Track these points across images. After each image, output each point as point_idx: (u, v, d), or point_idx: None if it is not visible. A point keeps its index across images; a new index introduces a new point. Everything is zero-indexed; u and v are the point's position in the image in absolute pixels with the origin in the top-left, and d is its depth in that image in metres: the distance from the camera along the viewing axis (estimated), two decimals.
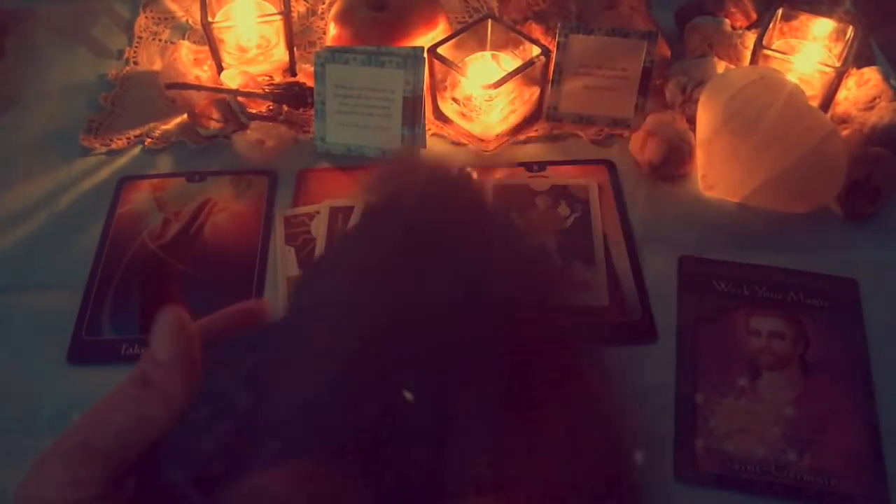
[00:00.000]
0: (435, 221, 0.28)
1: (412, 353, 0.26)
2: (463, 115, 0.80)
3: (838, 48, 0.79)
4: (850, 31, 0.78)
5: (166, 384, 0.29)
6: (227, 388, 0.29)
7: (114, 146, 0.82)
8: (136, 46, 0.93)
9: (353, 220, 0.72)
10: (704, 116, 0.74)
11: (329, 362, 0.27)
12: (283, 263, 0.71)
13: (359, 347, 0.27)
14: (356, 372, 0.27)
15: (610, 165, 0.78)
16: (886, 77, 0.79)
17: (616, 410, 0.29)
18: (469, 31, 0.81)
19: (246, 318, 0.34)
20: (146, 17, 0.96)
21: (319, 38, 0.93)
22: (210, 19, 0.82)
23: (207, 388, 0.29)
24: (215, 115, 0.80)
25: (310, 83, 0.81)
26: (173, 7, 0.97)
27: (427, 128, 0.81)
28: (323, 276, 0.32)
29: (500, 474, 0.27)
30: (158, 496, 0.28)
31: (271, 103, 0.82)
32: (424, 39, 0.81)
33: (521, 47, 0.80)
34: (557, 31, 0.78)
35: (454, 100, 0.80)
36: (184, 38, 0.92)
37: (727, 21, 0.86)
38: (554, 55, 0.78)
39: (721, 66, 0.80)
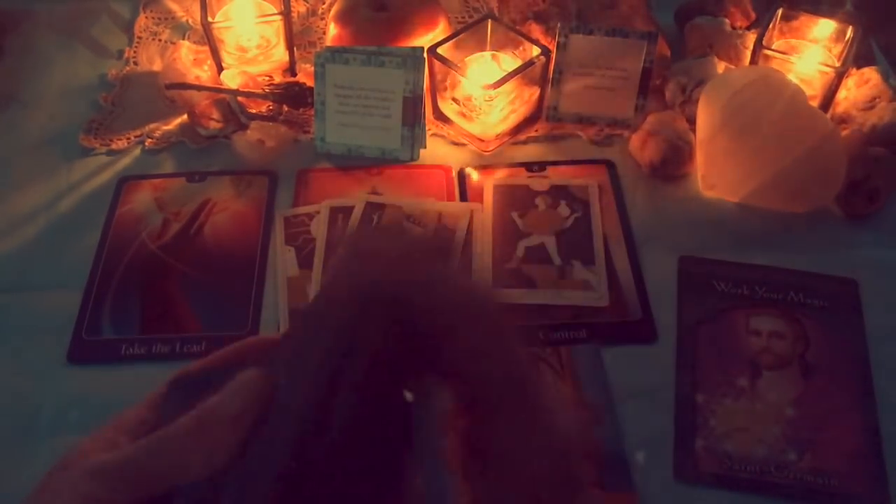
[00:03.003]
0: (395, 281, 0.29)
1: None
2: (463, 115, 0.80)
3: (838, 48, 0.79)
4: (849, 32, 0.78)
5: (220, 441, 0.28)
6: None
7: (114, 146, 0.82)
8: (136, 46, 0.93)
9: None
10: (704, 116, 0.74)
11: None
12: (283, 263, 0.71)
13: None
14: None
15: (610, 165, 0.78)
16: (886, 77, 0.79)
17: (569, 426, 0.29)
18: (469, 31, 0.81)
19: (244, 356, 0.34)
20: (146, 17, 0.96)
21: (319, 38, 0.93)
22: (210, 19, 0.82)
23: None
24: (215, 115, 0.80)
25: (310, 83, 0.81)
26: (173, 7, 0.97)
27: (427, 128, 0.81)
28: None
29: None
30: None
31: (271, 103, 0.82)
32: (424, 39, 0.81)
33: (521, 47, 0.80)
34: (557, 31, 0.78)
35: (454, 100, 0.80)
36: (184, 38, 0.92)
37: (727, 21, 0.86)
38: (554, 55, 0.78)
39: (721, 66, 0.80)
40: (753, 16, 0.88)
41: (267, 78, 0.85)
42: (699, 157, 0.76)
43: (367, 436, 0.28)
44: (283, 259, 0.72)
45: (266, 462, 0.27)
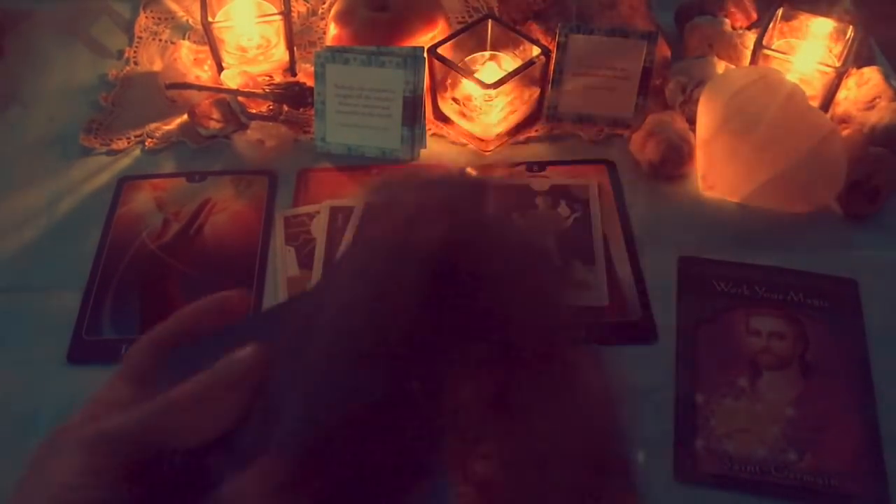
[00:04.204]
0: (432, 227, 0.28)
1: (405, 347, 0.27)
2: (463, 115, 0.80)
3: (838, 48, 0.79)
4: (850, 31, 0.78)
5: (226, 404, 0.29)
6: None
7: (114, 146, 0.82)
8: (136, 46, 0.93)
9: (352, 225, 0.72)
10: (704, 116, 0.74)
11: (328, 352, 0.27)
12: (283, 263, 0.71)
13: (354, 345, 0.27)
14: (352, 365, 0.27)
15: (610, 165, 0.78)
16: (886, 77, 0.79)
17: (610, 410, 0.29)
18: (469, 31, 0.81)
19: (223, 311, 0.34)
20: (146, 17, 0.96)
21: (319, 38, 0.93)
22: (210, 19, 0.82)
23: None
24: (215, 115, 0.80)
25: (310, 83, 0.81)
26: (173, 7, 0.97)
27: (427, 128, 0.81)
28: (325, 286, 0.32)
29: (487, 466, 0.27)
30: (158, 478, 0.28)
31: (271, 103, 0.82)
32: (424, 39, 0.81)
33: (521, 47, 0.80)
34: (557, 31, 0.78)
35: (454, 100, 0.80)
36: (184, 38, 0.92)
37: (727, 21, 0.86)
38: (554, 55, 0.78)
39: (721, 66, 0.80)
40: (754, 16, 0.88)
41: (267, 78, 0.85)
42: (699, 157, 0.75)
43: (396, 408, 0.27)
44: (283, 259, 0.72)
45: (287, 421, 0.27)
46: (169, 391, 0.29)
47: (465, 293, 0.27)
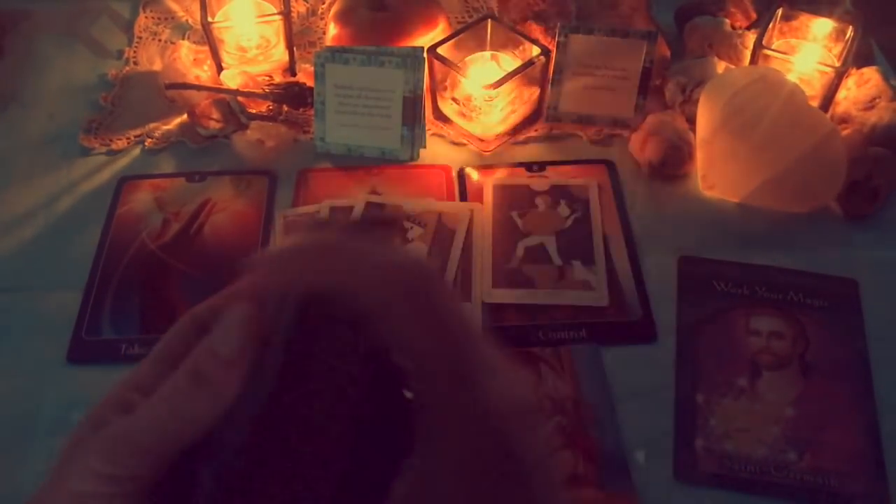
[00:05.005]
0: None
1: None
2: (463, 115, 0.80)
3: (838, 48, 0.79)
4: (849, 31, 0.78)
5: (222, 383, 0.27)
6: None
7: (114, 146, 0.82)
8: (135, 46, 0.93)
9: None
10: (704, 116, 0.74)
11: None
12: None
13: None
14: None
15: (610, 165, 0.78)
16: (886, 77, 0.79)
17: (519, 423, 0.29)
18: (469, 31, 0.81)
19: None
20: (146, 17, 0.96)
21: (319, 38, 0.93)
22: (210, 19, 0.82)
23: None
24: (215, 115, 0.80)
25: (310, 83, 0.81)
26: (173, 7, 0.97)
27: (427, 128, 0.81)
28: None
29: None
30: (181, 492, 0.28)
31: (271, 103, 0.82)
32: (424, 39, 0.81)
33: (521, 47, 0.80)
34: (557, 31, 0.78)
35: (454, 100, 0.80)
36: (184, 38, 0.92)
37: (727, 21, 0.86)
38: (554, 55, 0.78)
39: (721, 66, 0.80)
40: (753, 16, 0.88)
41: (267, 78, 0.85)
42: (699, 157, 0.76)
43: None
44: None
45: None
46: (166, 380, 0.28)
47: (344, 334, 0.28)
